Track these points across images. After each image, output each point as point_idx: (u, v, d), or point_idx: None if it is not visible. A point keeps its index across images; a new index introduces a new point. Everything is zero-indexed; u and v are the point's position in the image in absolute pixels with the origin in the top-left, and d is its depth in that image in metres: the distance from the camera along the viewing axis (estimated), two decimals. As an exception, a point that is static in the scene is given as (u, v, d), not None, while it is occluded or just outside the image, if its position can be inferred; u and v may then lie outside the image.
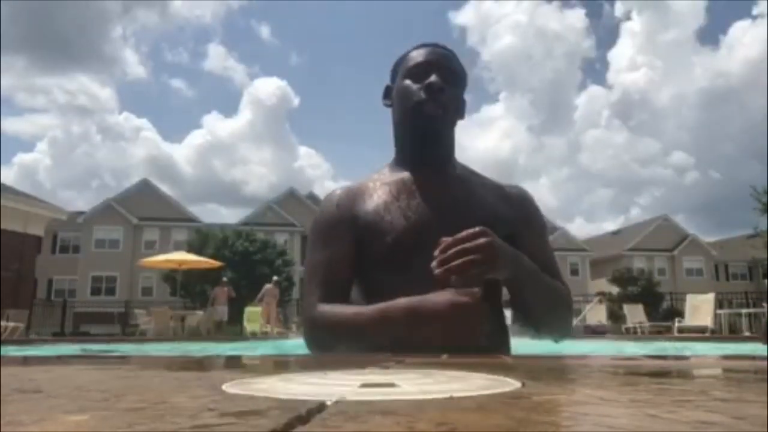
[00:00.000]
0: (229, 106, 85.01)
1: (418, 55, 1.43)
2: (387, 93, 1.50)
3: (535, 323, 1.33)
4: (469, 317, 1.08)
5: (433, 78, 1.36)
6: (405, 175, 1.39)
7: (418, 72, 1.40)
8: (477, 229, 1.10)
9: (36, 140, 76.11)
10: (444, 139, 1.42)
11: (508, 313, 1.56)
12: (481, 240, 1.08)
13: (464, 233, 1.08)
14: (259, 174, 68.16)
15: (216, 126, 66.88)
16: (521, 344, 1.55)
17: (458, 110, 1.46)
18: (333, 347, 1.27)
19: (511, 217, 1.38)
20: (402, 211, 1.31)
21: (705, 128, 74.51)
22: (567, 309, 1.39)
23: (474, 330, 1.09)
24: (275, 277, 16.32)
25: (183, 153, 68.11)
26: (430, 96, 1.35)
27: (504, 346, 1.40)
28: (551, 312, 1.32)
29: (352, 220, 1.33)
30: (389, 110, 1.49)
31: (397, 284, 1.23)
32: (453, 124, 1.44)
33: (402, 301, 1.17)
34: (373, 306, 1.23)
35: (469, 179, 1.43)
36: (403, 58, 1.47)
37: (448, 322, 1.08)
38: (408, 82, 1.41)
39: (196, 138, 67.61)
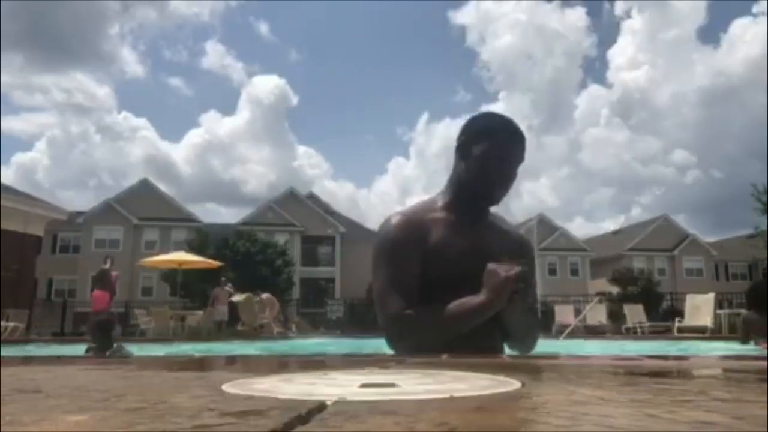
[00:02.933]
0: (227, 104, 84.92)
1: (504, 138, 1.68)
2: (465, 150, 1.70)
3: (511, 341, 1.69)
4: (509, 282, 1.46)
5: (509, 169, 1.68)
6: (458, 215, 1.68)
7: (503, 152, 1.67)
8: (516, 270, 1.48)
9: (34, 139, 75.90)
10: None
11: None
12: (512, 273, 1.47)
13: (512, 272, 1.47)
14: (258, 173, 67.96)
15: (214, 125, 66.71)
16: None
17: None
18: (417, 344, 1.54)
19: (519, 257, 1.64)
20: (460, 245, 1.62)
21: (707, 127, 74.46)
22: (534, 335, 1.75)
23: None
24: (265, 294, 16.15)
25: (181, 152, 67.96)
26: (501, 183, 1.67)
27: (501, 347, 1.71)
28: (524, 336, 1.69)
29: (420, 242, 1.61)
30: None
31: (449, 301, 1.54)
32: None
33: (471, 298, 1.50)
34: (451, 304, 1.52)
35: (496, 225, 1.76)
36: (490, 130, 1.69)
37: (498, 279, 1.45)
38: (487, 145, 1.67)
39: (194, 137, 67.39)
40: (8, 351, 6.58)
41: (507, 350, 1.70)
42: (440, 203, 1.72)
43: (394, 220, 1.67)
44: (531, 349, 1.73)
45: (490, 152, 1.66)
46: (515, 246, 1.74)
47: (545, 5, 72.45)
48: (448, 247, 1.61)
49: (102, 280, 11.90)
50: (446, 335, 1.53)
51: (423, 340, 1.54)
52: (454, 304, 1.51)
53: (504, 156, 1.67)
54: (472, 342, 1.52)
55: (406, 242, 1.61)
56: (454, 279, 1.55)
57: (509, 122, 1.71)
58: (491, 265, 1.48)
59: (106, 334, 6.26)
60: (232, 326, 14.93)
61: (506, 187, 1.70)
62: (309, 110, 70.66)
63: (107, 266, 12.15)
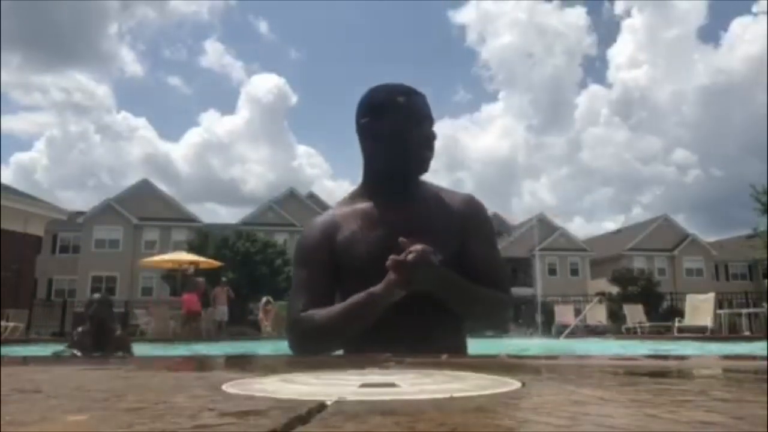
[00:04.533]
0: (226, 103, 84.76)
1: (411, 103, 1.60)
2: (373, 128, 1.61)
3: (468, 324, 1.62)
4: (412, 265, 1.35)
5: (429, 128, 1.60)
6: (377, 202, 1.59)
7: (416, 118, 1.59)
8: (414, 251, 1.36)
9: (33, 139, 75.92)
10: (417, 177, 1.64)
11: None
12: (410, 257, 1.36)
13: (402, 256, 1.36)
14: (257, 172, 67.90)
15: (213, 124, 66.61)
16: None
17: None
18: (315, 346, 1.49)
19: (458, 229, 1.57)
20: (374, 235, 1.53)
21: (707, 126, 74.37)
22: (498, 313, 1.62)
23: (426, 272, 1.36)
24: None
25: (180, 151, 67.93)
26: (427, 146, 1.59)
27: (461, 347, 1.60)
28: (480, 316, 1.59)
29: (328, 242, 1.57)
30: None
31: (329, 279, 1.54)
32: None
33: (362, 292, 1.44)
34: (341, 303, 1.49)
35: (432, 198, 1.62)
36: (392, 101, 1.60)
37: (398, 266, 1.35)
38: (397, 121, 1.58)
39: (193, 136, 67.37)
40: (8, 351, 6.58)
41: (464, 351, 1.60)
42: (358, 195, 1.64)
43: (306, 226, 1.68)
44: (500, 325, 1.67)
45: (404, 122, 1.56)
46: (458, 210, 1.60)
47: (545, 5, 72.45)
48: (357, 240, 1.54)
49: (189, 285, 13.94)
50: (339, 333, 1.46)
51: (318, 340, 1.48)
52: (348, 300, 1.46)
53: (418, 119, 1.58)
54: (402, 334, 1.43)
55: (314, 246, 1.58)
56: (367, 272, 1.45)
57: (405, 88, 1.62)
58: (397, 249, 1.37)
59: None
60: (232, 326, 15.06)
61: (432, 149, 1.60)
62: (308, 109, 70.70)
63: (191, 272, 14.59)
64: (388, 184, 1.60)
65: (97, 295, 4.75)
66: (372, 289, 1.41)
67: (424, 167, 1.60)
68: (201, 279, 14.48)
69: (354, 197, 1.66)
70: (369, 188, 1.63)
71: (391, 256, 1.36)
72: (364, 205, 1.60)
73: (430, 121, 1.61)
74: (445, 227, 1.56)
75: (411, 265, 1.34)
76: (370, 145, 1.61)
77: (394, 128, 1.56)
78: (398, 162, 1.58)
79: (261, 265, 25.48)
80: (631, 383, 0.76)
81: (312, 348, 1.49)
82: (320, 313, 1.48)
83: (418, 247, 1.36)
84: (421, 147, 1.58)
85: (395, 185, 1.60)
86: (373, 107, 1.61)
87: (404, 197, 1.59)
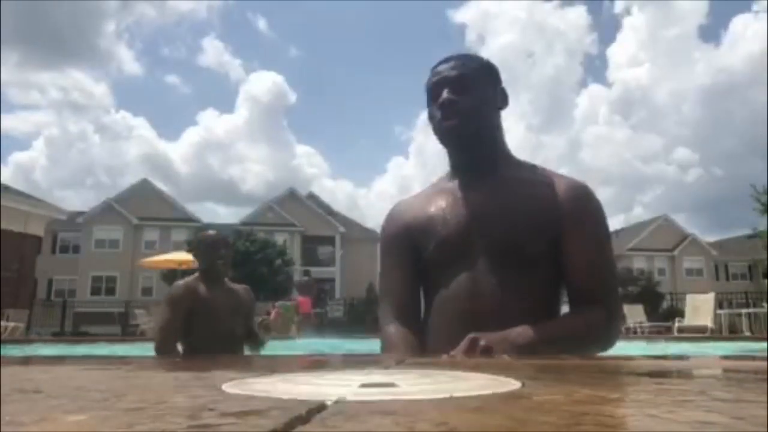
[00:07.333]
0: (225, 102, 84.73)
1: (432, 76, 1.50)
2: (429, 115, 1.55)
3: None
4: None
5: (444, 95, 1.44)
6: (453, 184, 1.49)
7: (435, 93, 1.47)
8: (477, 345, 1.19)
9: (31, 139, 75.79)
10: (477, 144, 1.46)
11: None
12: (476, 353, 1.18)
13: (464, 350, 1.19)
14: (256, 172, 67.85)
15: (212, 123, 66.55)
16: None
17: (484, 108, 1.47)
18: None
19: (555, 219, 1.36)
20: (446, 219, 1.41)
21: (708, 124, 74.36)
22: (594, 342, 1.35)
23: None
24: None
25: (179, 151, 67.90)
26: (444, 114, 1.44)
27: None
28: (576, 352, 1.26)
29: (406, 230, 1.49)
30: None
31: (442, 283, 1.39)
32: (484, 123, 1.46)
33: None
34: (404, 340, 1.41)
35: (518, 180, 1.43)
36: (431, 74, 1.52)
37: None
38: (431, 105, 1.50)
39: (191, 135, 67.32)
40: (8, 351, 6.57)
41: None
42: (446, 177, 1.56)
43: (391, 210, 1.59)
44: (602, 348, 1.38)
45: (430, 95, 1.48)
46: (555, 195, 1.37)
47: (545, 4, 72.42)
48: (430, 217, 1.44)
49: (304, 288, 14.41)
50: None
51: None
52: (407, 343, 1.39)
53: (436, 87, 1.45)
54: None
55: (395, 235, 1.52)
56: (441, 261, 1.40)
57: (446, 58, 1.50)
58: (471, 336, 1.20)
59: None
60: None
61: (457, 114, 1.40)
62: (307, 108, 70.64)
63: (307, 277, 15.04)
64: (455, 165, 1.51)
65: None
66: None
67: (450, 138, 1.46)
68: (313, 280, 15.22)
69: (442, 179, 1.58)
70: (445, 176, 1.56)
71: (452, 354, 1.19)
72: (444, 184, 1.53)
73: (453, 84, 1.44)
74: (530, 210, 1.36)
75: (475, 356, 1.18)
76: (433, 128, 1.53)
77: (433, 91, 1.48)
78: (439, 137, 1.48)
79: (260, 264, 25.47)
80: (631, 383, 0.76)
81: None
82: (390, 338, 1.42)
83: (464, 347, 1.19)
84: (441, 119, 1.44)
85: (462, 163, 1.49)
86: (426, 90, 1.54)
87: (481, 176, 1.45)
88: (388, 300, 1.50)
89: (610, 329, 1.38)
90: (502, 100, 1.52)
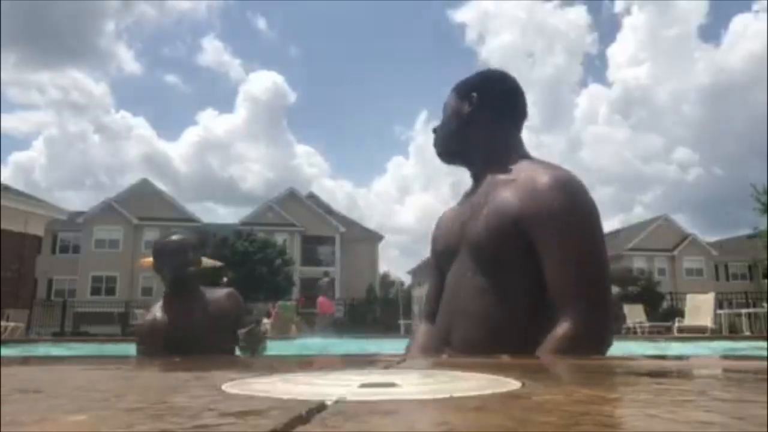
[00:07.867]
0: (225, 102, 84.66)
1: None
2: None
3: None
4: None
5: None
6: (467, 192, 1.60)
7: None
8: None
9: (30, 138, 75.70)
10: (458, 158, 1.60)
11: None
12: None
13: None
14: (255, 171, 67.81)
15: (212, 122, 66.46)
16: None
17: (450, 126, 1.58)
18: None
19: (525, 220, 1.27)
20: (447, 227, 1.56)
21: (708, 124, 74.31)
22: (586, 344, 1.19)
23: None
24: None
25: (178, 150, 67.82)
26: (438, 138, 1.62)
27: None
28: (570, 353, 1.16)
29: (433, 238, 1.63)
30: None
31: (444, 285, 1.52)
32: (454, 139, 1.57)
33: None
34: (427, 338, 1.56)
35: (501, 182, 1.37)
36: None
37: None
38: None
39: (191, 135, 67.22)
40: (8, 351, 6.57)
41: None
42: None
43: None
44: (604, 349, 1.24)
45: None
46: (517, 194, 1.30)
47: (545, 4, 72.43)
48: (439, 233, 1.60)
49: (325, 289, 14.67)
50: None
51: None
52: (427, 340, 1.54)
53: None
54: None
55: (432, 244, 1.65)
56: (442, 265, 1.54)
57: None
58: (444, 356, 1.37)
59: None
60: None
61: (438, 142, 1.60)
62: (307, 108, 70.66)
63: (327, 279, 15.39)
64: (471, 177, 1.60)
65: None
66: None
67: (443, 159, 1.63)
68: (333, 281, 16.27)
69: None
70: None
71: None
72: (465, 193, 1.62)
73: (446, 112, 1.60)
74: (501, 212, 1.30)
75: None
76: None
77: None
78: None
79: (259, 264, 25.47)
80: (631, 383, 0.76)
81: None
82: (419, 337, 1.60)
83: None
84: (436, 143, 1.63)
85: (473, 174, 1.57)
86: None
87: (476, 183, 1.50)
88: (426, 301, 1.66)
89: (586, 336, 1.20)
90: (470, 105, 1.52)
